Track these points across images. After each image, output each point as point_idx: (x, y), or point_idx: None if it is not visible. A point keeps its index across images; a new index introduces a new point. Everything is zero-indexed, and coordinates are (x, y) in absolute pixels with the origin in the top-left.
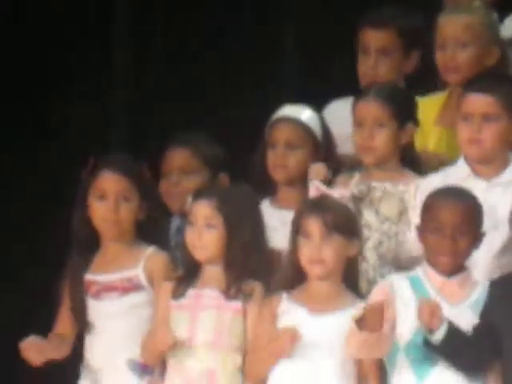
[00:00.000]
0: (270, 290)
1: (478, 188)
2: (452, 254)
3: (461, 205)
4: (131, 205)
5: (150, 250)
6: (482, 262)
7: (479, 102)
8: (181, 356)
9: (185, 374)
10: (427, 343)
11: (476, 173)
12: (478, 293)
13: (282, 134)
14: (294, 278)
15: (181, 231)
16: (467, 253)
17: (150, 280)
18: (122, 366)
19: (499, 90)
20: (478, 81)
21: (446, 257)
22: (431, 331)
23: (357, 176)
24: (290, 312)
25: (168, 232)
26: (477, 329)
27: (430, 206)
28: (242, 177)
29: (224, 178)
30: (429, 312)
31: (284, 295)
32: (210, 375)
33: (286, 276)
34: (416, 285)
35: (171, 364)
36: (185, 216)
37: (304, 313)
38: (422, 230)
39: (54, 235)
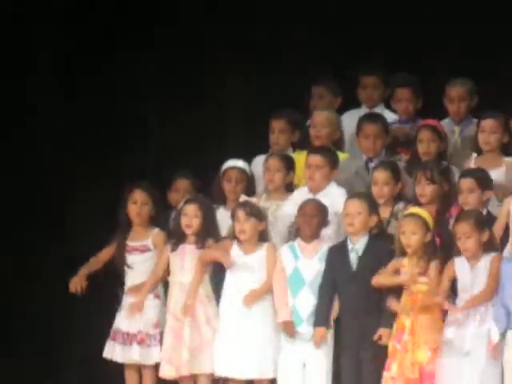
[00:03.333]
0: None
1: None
2: (308, 230)
3: (311, 203)
4: (149, 207)
5: (155, 231)
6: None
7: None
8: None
9: None
10: None
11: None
12: (322, 251)
13: (232, 175)
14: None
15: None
16: (318, 228)
17: (155, 246)
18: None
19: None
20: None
21: (305, 231)
22: None
23: (264, 196)
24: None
25: (168, 218)
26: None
27: (301, 206)
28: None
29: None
30: None
31: (234, 243)
32: None
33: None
34: (292, 248)
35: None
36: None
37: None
38: (296, 221)
39: None
